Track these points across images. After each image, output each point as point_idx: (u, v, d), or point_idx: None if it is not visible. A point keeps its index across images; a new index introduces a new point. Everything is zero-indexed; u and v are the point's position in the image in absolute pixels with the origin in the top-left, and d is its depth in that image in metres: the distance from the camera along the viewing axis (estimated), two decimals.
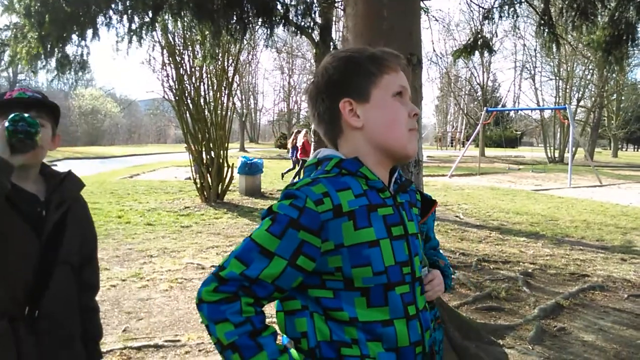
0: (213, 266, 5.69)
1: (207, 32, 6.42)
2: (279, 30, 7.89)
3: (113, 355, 3.46)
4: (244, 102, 41.11)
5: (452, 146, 46.74)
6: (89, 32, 5.45)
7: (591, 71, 33.55)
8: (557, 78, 35.40)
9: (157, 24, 5.80)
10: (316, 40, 11.11)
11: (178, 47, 10.06)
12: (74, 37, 5.53)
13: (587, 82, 34.87)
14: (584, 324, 4.27)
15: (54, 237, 1.53)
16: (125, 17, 5.49)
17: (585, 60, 31.60)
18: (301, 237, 1.06)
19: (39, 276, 1.49)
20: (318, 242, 1.08)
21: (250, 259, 1.06)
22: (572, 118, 18.65)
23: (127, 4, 5.52)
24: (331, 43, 11.59)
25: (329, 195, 1.08)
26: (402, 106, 1.18)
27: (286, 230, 1.06)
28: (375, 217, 1.13)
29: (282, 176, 15.34)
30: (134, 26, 5.55)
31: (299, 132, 15.29)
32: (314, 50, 11.67)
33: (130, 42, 5.63)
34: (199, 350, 3.60)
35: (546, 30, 7.08)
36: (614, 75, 30.56)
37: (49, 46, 5.38)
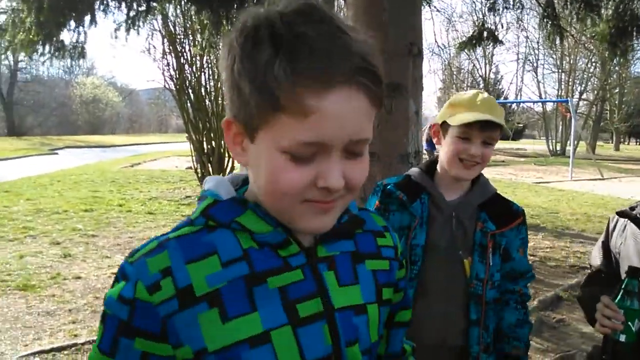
0: None
1: (206, 21, 6.39)
2: None
3: None
4: None
5: None
6: (87, 18, 5.43)
7: (594, 64, 33.39)
8: (560, 71, 35.23)
9: (156, 12, 5.77)
10: None
11: (179, 36, 10.02)
12: (72, 23, 5.51)
13: (589, 75, 34.71)
14: (583, 316, 4.28)
15: None
16: (123, 3, 5.46)
17: (588, 53, 31.43)
18: (139, 347, 0.68)
19: None
20: (167, 350, 0.68)
21: None
22: (574, 111, 18.61)
23: None
24: None
25: (170, 274, 0.67)
26: (298, 169, 0.65)
27: (117, 341, 0.68)
28: (263, 293, 0.70)
29: None
30: (132, 13, 5.53)
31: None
32: None
33: (127, 29, 5.60)
34: None
35: (549, 22, 7.04)
36: (616, 68, 30.47)
37: (46, 32, 5.36)
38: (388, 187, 1.58)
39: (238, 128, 0.68)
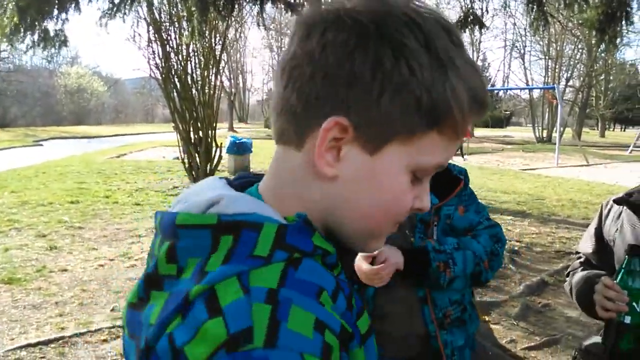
0: None
1: (193, 9, 6.31)
2: (268, 7, 7.79)
3: (101, 334, 3.47)
4: (232, 81, 40.71)
5: None
6: (71, 6, 5.34)
7: (580, 51, 33.61)
8: (547, 57, 35.43)
9: None
10: None
11: (164, 24, 9.87)
12: (55, 11, 5.41)
13: (576, 61, 34.96)
14: (568, 301, 4.33)
15: None
16: None
17: (575, 40, 31.61)
18: None
19: None
20: None
21: None
22: (560, 98, 18.73)
23: None
24: None
25: (325, 326, 0.50)
26: (412, 190, 0.59)
27: None
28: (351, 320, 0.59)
29: None
30: (116, 0, 5.44)
31: None
32: None
33: (112, 16, 5.51)
34: None
35: (535, 8, 7.05)
36: (602, 55, 30.71)
37: (29, 19, 5.26)
38: None
39: (347, 133, 0.55)
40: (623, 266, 1.31)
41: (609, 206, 1.58)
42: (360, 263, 1.41)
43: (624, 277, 1.30)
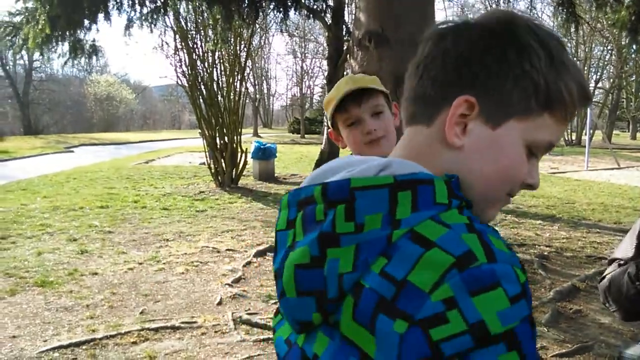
0: (228, 250, 5.74)
1: (218, 16, 6.40)
2: (291, 14, 7.85)
3: (131, 337, 3.53)
4: (256, 87, 41.06)
5: None
6: (100, 16, 5.47)
7: (610, 52, 32.85)
8: (575, 59, 34.71)
9: (168, 8, 5.79)
10: (328, 23, 10.97)
11: (190, 32, 10.04)
12: (85, 21, 5.55)
13: (605, 63, 34.17)
14: (601, 306, 4.23)
15: None
16: (137, 0, 5.49)
17: (604, 41, 30.92)
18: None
19: None
20: None
21: None
22: None
23: None
24: (344, 26, 11.46)
25: (510, 247, 0.61)
26: (526, 163, 0.69)
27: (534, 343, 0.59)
28: None
29: None
30: (145, 10, 5.55)
31: None
32: (327, 34, 11.54)
33: (141, 26, 5.63)
34: (215, 332, 3.64)
35: (565, 9, 6.93)
36: (633, 55, 29.94)
37: (59, 29, 5.40)
38: None
39: (474, 109, 0.65)
40: None
41: None
42: None
43: None
